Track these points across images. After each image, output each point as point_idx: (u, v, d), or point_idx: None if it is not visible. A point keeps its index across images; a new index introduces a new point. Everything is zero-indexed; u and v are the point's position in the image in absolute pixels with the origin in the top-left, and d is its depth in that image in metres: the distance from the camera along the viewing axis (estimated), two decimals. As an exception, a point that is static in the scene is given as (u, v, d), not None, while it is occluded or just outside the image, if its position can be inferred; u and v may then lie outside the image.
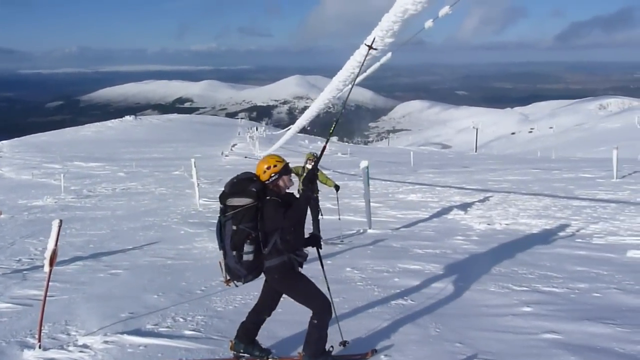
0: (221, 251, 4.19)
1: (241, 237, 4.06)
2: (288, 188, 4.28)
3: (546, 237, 8.71)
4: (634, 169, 20.39)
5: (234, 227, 4.08)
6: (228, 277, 4.22)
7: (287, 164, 4.28)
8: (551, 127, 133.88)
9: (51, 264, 4.81)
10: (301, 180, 7.99)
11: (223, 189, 4.23)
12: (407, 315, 5.22)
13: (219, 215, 4.21)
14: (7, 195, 21.36)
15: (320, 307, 4.15)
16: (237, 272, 4.15)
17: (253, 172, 4.30)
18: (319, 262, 4.60)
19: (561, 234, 8.87)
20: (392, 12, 3.56)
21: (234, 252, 4.10)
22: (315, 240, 4.47)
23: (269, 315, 4.41)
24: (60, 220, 4.87)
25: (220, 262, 4.25)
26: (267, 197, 4.11)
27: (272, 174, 4.17)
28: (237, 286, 4.32)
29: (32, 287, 6.96)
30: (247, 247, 4.06)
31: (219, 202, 4.22)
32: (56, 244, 4.82)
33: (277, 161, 4.21)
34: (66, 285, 6.98)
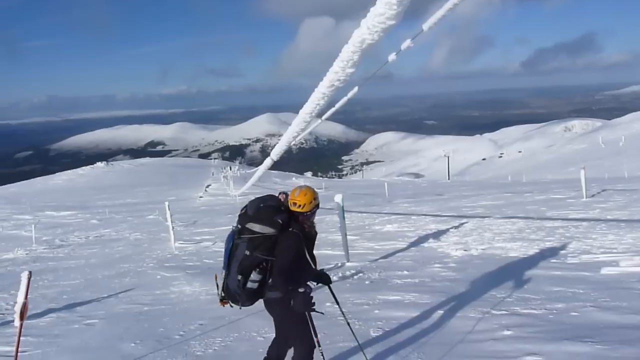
0: (223, 270, 4.06)
1: (252, 263, 3.94)
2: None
3: (522, 259, 8.80)
4: (602, 187, 20.89)
5: (247, 252, 3.95)
6: (223, 296, 4.10)
7: None
8: (520, 151, 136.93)
9: (22, 317, 4.67)
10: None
11: (244, 208, 4.11)
12: (389, 346, 5.19)
13: (232, 232, 4.09)
14: (-24, 250, 20.73)
15: (307, 353, 4.09)
16: (236, 296, 4.03)
17: (275, 196, 4.25)
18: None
19: (536, 255, 8.97)
20: (351, 42, 3.64)
21: (240, 277, 3.96)
22: (325, 277, 4.36)
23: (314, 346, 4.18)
24: (30, 272, 4.75)
25: (216, 276, 4.11)
26: (290, 229, 4.01)
27: (315, 206, 4.16)
28: (232, 307, 4.16)
29: (3, 343, 6.73)
30: (254, 275, 3.94)
31: (236, 222, 4.10)
32: (26, 297, 4.69)
33: (317, 194, 4.22)
34: (39, 339, 6.77)
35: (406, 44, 5.47)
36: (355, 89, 7.98)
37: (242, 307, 4.12)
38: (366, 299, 7.07)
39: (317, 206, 4.19)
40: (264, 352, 5.34)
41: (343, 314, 4.66)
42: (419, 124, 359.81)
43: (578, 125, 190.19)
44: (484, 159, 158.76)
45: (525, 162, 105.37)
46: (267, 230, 3.96)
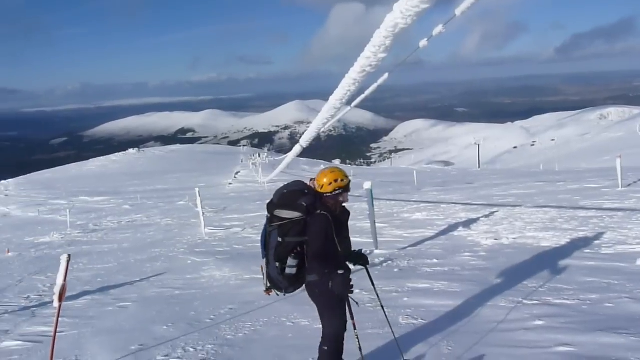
0: (264, 259, 4.15)
1: (286, 250, 4.00)
2: (342, 204, 4.18)
3: (554, 249, 8.65)
4: (638, 177, 20.32)
5: (280, 239, 4.01)
6: (269, 285, 4.18)
7: (350, 181, 4.19)
8: (553, 140, 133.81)
9: (60, 299, 4.81)
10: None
11: (272, 197, 4.16)
12: (419, 334, 5.18)
13: (265, 222, 4.17)
14: (14, 233, 21.42)
15: (336, 333, 4.07)
16: (278, 283, 4.10)
17: (302, 181, 4.24)
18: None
19: (569, 245, 8.80)
20: (383, 27, 3.59)
21: (277, 264, 4.04)
22: (363, 258, 4.33)
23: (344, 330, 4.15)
24: (69, 255, 4.88)
25: (262, 267, 4.19)
26: (318, 212, 3.99)
27: (337, 188, 4.07)
28: (277, 295, 4.26)
29: (41, 324, 6.96)
30: (290, 261, 4.00)
31: (266, 210, 4.16)
32: (65, 279, 4.82)
33: (344, 176, 4.11)
34: (75, 320, 6.98)
35: (438, 29, 5.39)
36: (386, 75, 7.91)
37: (287, 294, 4.19)
38: (395, 287, 7.05)
39: (340, 188, 4.09)
40: (294, 337, 5.41)
41: (378, 297, 4.67)
42: (449, 112, 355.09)
43: (614, 112, 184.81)
44: (515, 147, 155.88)
45: (559, 150, 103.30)
46: (294, 214, 3.97)
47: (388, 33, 3.54)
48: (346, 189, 4.14)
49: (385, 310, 5.97)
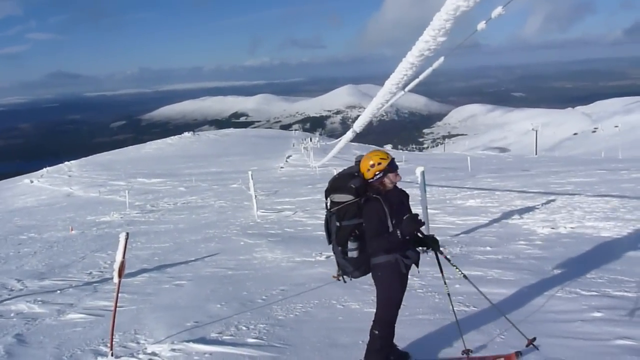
0: (330, 245, 4.22)
1: (344, 233, 4.05)
2: (394, 184, 4.10)
3: (615, 240, 8.32)
4: None
5: (338, 224, 4.07)
6: (339, 271, 4.24)
7: (392, 160, 4.07)
8: (617, 126, 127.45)
9: (120, 275, 5.03)
10: None
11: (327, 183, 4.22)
12: (471, 322, 5.11)
13: (326, 209, 4.23)
14: (77, 212, 22.43)
15: (388, 319, 4.08)
16: (344, 267, 4.16)
17: (355, 166, 4.23)
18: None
19: (631, 236, 8.44)
20: (444, 10, 3.50)
21: (339, 248, 4.10)
22: (432, 241, 4.27)
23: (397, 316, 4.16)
24: (127, 233, 5.08)
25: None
26: (368, 194, 4.02)
27: (377, 172, 4.02)
28: (345, 282, 4.32)
29: (103, 299, 7.30)
30: (351, 244, 4.03)
31: (324, 197, 4.23)
32: (124, 256, 5.03)
33: (381, 158, 4.03)
34: (134, 296, 7.27)
35: (497, 11, 5.20)
36: (441, 59, 7.73)
37: (353, 278, 4.21)
38: (447, 273, 6.92)
39: (380, 172, 4.00)
40: (344, 320, 5.46)
41: (445, 283, 4.67)
42: (506, 96, 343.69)
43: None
44: (575, 134, 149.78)
45: (622, 137, 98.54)
46: (346, 197, 4.02)
47: (449, 16, 3.45)
48: (387, 170, 4.03)
49: (437, 296, 5.95)
